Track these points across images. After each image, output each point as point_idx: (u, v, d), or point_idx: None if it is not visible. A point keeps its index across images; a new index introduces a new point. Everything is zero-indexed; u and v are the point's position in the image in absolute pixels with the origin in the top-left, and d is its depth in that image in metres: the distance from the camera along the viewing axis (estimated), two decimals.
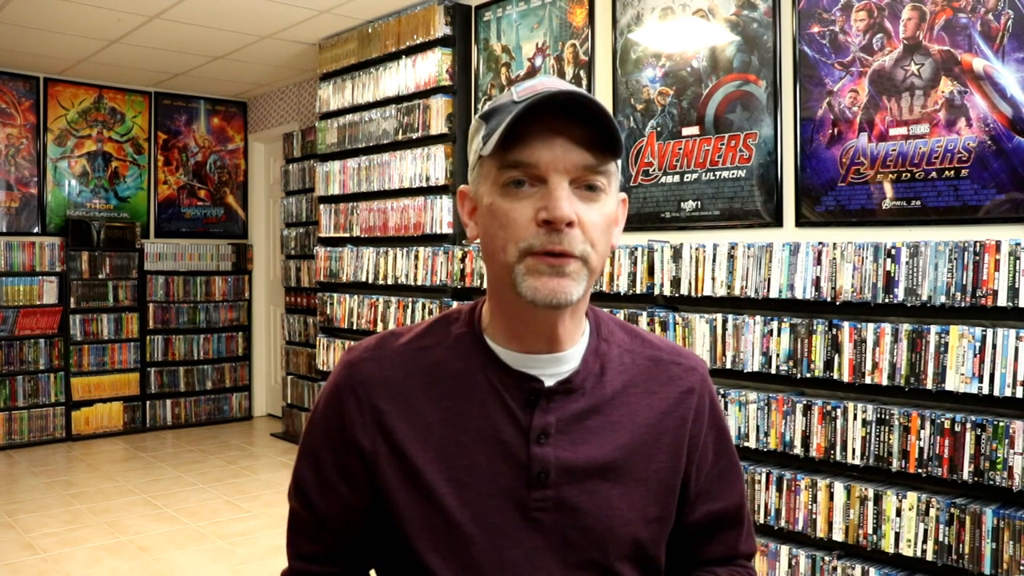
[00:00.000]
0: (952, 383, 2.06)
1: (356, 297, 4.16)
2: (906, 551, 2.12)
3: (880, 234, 2.34)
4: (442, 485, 0.76)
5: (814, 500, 2.30)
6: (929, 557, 2.08)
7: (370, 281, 4.08)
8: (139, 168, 5.77)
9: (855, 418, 2.23)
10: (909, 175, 2.29)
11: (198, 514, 3.75)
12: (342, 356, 0.84)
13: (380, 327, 3.97)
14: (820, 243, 2.34)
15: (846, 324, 2.25)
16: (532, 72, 3.47)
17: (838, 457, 2.25)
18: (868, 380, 2.21)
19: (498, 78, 3.63)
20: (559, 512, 0.76)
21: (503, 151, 0.72)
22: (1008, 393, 1.98)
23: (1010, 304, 1.99)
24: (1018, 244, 1.99)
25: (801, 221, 2.54)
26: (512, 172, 0.72)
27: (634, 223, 3.01)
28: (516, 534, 0.76)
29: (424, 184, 3.82)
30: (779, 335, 2.40)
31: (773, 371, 2.40)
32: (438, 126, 3.75)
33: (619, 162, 0.77)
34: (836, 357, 2.28)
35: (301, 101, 5.54)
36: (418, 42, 3.83)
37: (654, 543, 0.81)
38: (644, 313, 2.73)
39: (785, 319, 2.39)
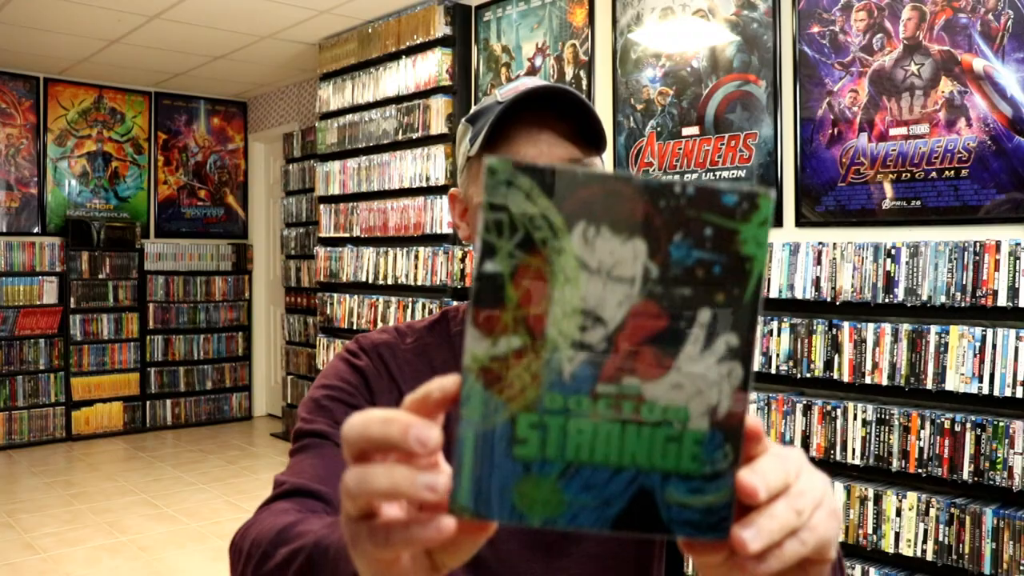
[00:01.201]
0: (952, 383, 2.07)
1: (356, 297, 4.17)
2: (906, 551, 2.12)
3: (880, 234, 2.34)
4: None
5: None
6: (929, 557, 2.08)
7: (370, 281, 4.08)
8: (139, 168, 5.77)
9: (855, 418, 2.23)
10: (909, 175, 2.29)
11: (198, 514, 3.75)
12: (353, 339, 0.84)
13: (380, 326, 3.97)
14: (820, 243, 2.34)
15: (846, 324, 2.26)
16: (532, 72, 3.47)
17: (838, 457, 2.25)
18: (868, 380, 2.21)
19: (498, 78, 3.63)
20: None
21: (490, 150, 0.74)
22: (1008, 393, 1.98)
23: (1010, 304, 1.99)
24: (1018, 244, 1.99)
25: (801, 221, 2.54)
26: None
27: None
28: (515, 530, 0.76)
29: (424, 184, 3.82)
30: (779, 335, 2.40)
31: (773, 371, 2.40)
32: (438, 126, 3.76)
33: (603, 157, 0.79)
34: (836, 357, 2.28)
35: (301, 101, 5.54)
36: (418, 42, 3.84)
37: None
38: None
39: (785, 319, 2.39)
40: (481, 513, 0.33)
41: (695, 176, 2.85)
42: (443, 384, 0.34)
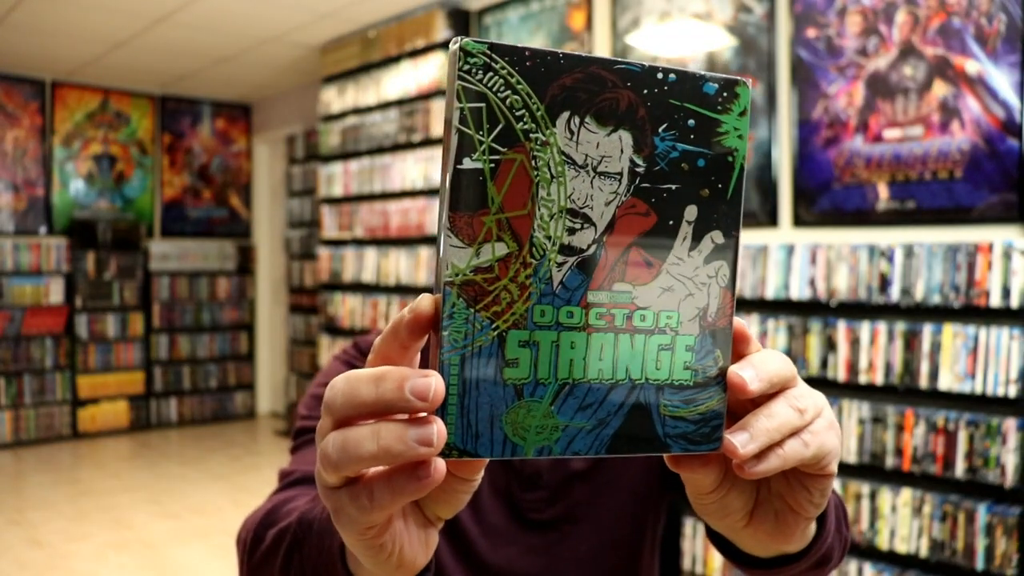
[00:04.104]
0: (946, 382, 2.09)
1: (358, 297, 4.21)
2: (900, 548, 2.15)
3: (875, 235, 2.37)
4: None
5: None
6: (923, 553, 2.11)
7: (372, 281, 4.12)
8: (144, 169, 5.82)
9: (850, 417, 2.26)
10: (903, 176, 2.32)
11: (203, 511, 3.79)
12: (352, 342, 0.85)
13: (382, 325, 4.00)
14: (816, 244, 2.37)
15: (841, 324, 2.29)
16: None
17: None
18: (863, 379, 2.24)
19: None
20: (553, 512, 0.79)
21: None
22: (1000, 392, 2.01)
23: (1003, 304, 2.02)
24: (1011, 245, 2.02)
25: (797, 222, 2.57)
26: None
27: None
28: (512, 534, 0.78)
29: (426, 186, 3.86)
30: (775, 335, 2.43)
31: None
32: (439, 129, 3.79)
33: None
34: (831, 356, 2.31)
35: (304, 104, 5.58)
36: (419, 46, 3.88)
37: (650, 529, 0.84)
38: None
39: (781, 319, 2.42)
40: (470, 451, 0.30)
41: None
42: (416, 306, 0.29)
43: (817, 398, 0.36)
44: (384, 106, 4.12)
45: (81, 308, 5.34)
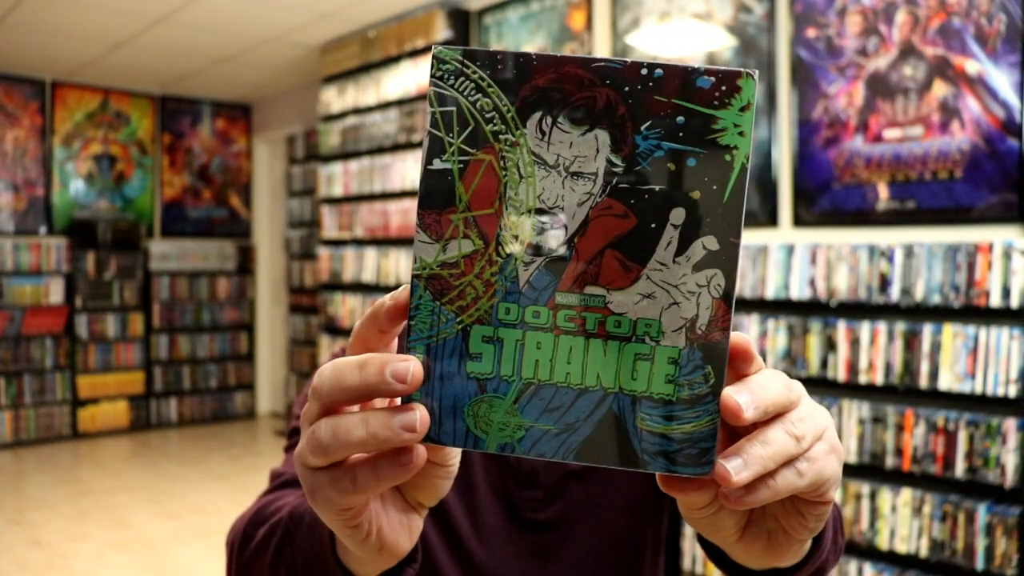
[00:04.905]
0: (946, 382, 2.09)
1: (358, 297, 4.21)
2: (900, 548, 2.15)
3: (875, 235, 2.37)
4: None
5: None
6: (923, 553, 2.11)
7: (372, 281, 4.12)
8: (144, 169, 5.82)
9: (850, 417, 2.26)
10: (903, 176, 2.32)
11: (203, 511, 3.79)
12: (349, 341, 0.84)
13: None
14: (816, 244, 2.37)
15: (841, 324, 2.29)
16: None
17: None
18: (863, 379, 2.24)
19: None
20: (550, 511, 0.78)
21: None
22: (1000, 392, 2.01)
23: (1003, 304, 2.02)
24: (1011, 245, 2.02)
25: (797, 222, 2.57)
26: None
27: None
28: (509, 533, 0.78)
29: None
30: (775, 335, 2.43)
31: None
32: None
33: None
34: (831, 356, 2.31)
35: (304, 104, 5.58)
36: (419, 46, 3.88)
37: (651, 530, 0.84)
38: None
39: (781, 319, 2.42)
40: (434, 437, 0.31)
41: None
42: (397, 294, 0.31)
43: (819, 419, 0.34)
44: (384, 106, 4.12)
45: (81, 308, 5.34)
